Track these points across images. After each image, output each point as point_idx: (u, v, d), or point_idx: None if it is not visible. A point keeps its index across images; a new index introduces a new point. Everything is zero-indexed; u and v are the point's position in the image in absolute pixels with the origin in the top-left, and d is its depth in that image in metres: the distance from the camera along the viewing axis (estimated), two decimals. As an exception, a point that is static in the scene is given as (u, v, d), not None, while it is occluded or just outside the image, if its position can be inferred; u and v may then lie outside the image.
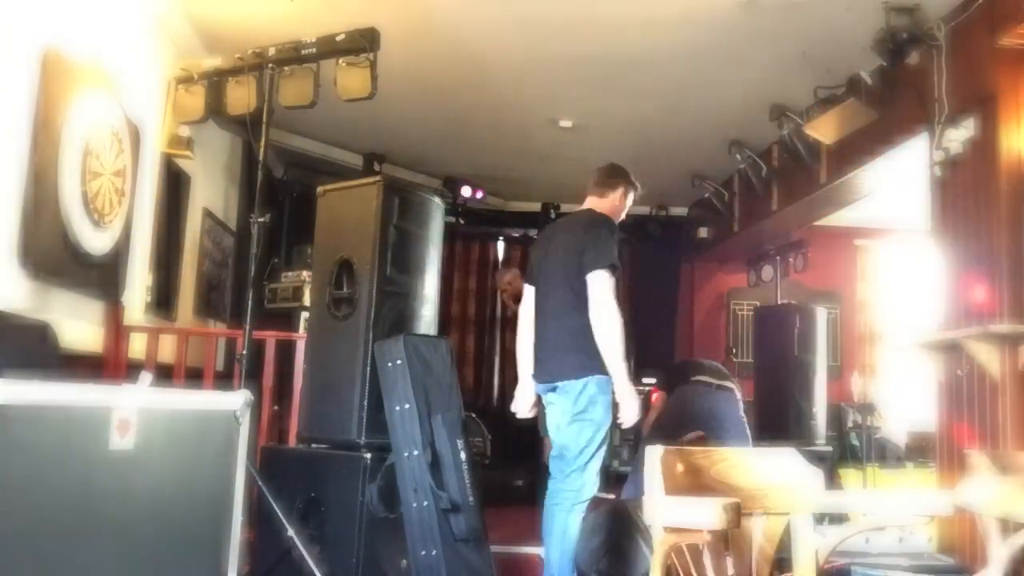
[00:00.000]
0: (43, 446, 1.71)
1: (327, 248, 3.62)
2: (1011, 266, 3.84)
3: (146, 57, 4.42)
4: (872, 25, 4.24)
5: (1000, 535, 1.70)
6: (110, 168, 3.89)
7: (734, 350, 8.38)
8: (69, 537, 1.76)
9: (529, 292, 3.69)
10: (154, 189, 4.64)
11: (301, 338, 4.23)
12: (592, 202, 3.92)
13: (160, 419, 1.99)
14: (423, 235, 3.59)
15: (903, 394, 7.80)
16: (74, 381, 1.88)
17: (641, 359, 8.16)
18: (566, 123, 6.30)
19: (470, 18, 4.70)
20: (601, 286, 3.27)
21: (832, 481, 5.87)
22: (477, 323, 8.51)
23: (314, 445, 3.49)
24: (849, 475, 6.34)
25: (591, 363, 3.25)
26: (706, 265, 8.54)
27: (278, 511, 2.82)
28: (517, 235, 8.57)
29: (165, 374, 4.14)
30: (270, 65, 3.51)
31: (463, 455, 3.09)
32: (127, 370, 4.02)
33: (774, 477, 1.93)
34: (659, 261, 8.44)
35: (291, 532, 2.79)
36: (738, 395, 4.61)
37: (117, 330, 4.07)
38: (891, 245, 8.43)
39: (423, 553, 2.98)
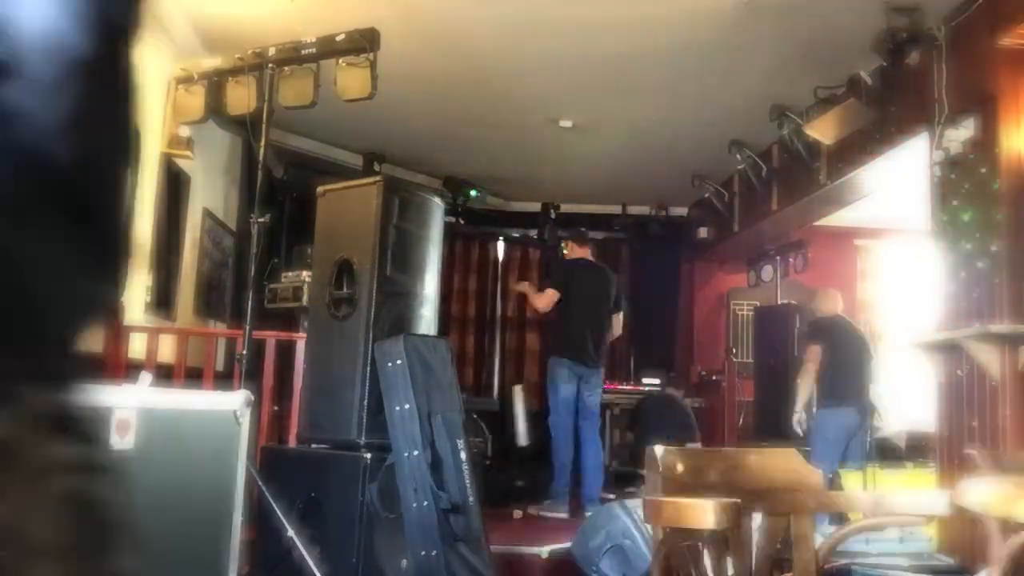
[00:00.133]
0: (43, 446, 1.71)
1: (327, 248, 3.62)
2: (1011, 266, 3.84)
3: (145, 56, 4.41)
4: (872, 25, 4.24)
5: (1000, 535, 1.70)
6: (110, 168, 3.89)
7: (734, 350, 8.38)
8: (69, 537, 1.75)
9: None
10: (154, 189, 4.64)
11: (301, 338, 4.23)
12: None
13: (160, 419, 1.99)
14: (423, 235, 3.58)
15: (903, 394, 7.80)
16: (74, 381, 1.88)
17: (641, 359, 8.18)
18: (566, 123, 6.30)
19: (470, 18, 4.70)
20: None
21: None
22: (477, 323, 8.51)
23: (314, 445, 3.48)
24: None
25: None
26: (706, 265, 8.54)
27: (278, 511, 2.82)
28: (517, 235, 8.58)
29: (165, 374, 4.14)
30: (270, 65, 3.51)
31: (463, 455, 3.09)
32: (127, 370, 4.02)
33: (774, 477, 1.93)
34: (659, 261, 8.45)
35: (291, 532, 2.79)
36: None
37: (117, 330, 4.07)
38: (891, 245, 8.43)
39: (423, 553, 2.98)
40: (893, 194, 6.03)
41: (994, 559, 1.69)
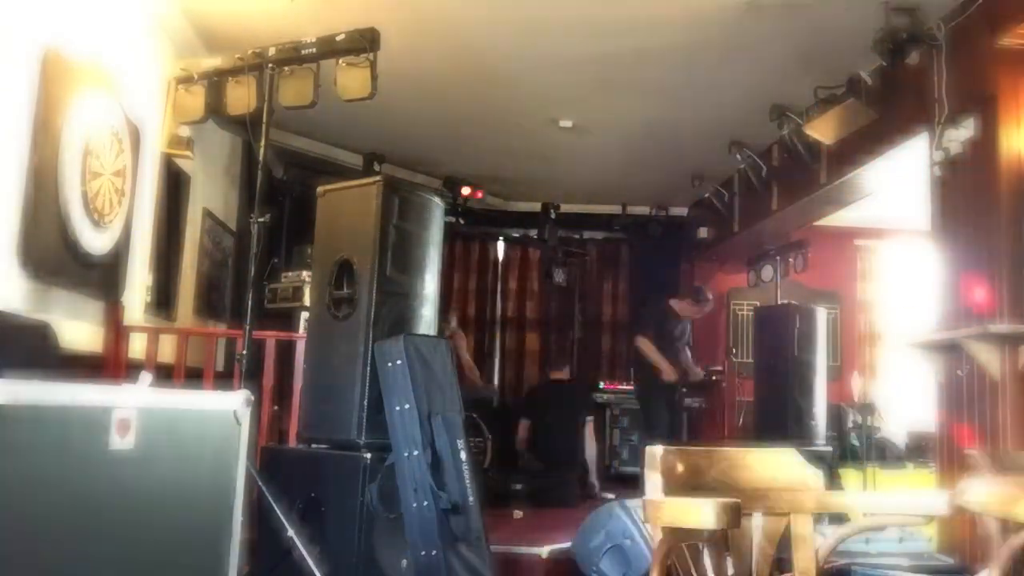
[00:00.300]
0: (43, 446, 1.71)
1: (327, 248, 3.62)
2: (1011, 266, 3.84)
3: (146, 57, 4.42)
4: (872, 25, 4.24)
5: (1000, 535, 1.70)
6: (110, 168, 3.89)
7: (734, 350, 8.38)
8: (69, 537, 1.76)
9: None
10: (154, 189, 4.64)
11: (301, 338, 4.23)
12: None
13: (160, 419, 1.99)
14: (423, 235, 3.58)
15: (903, 394, 7.80)
16: (74, 381, 1.88)
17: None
18: (566, 123, 6.30)
19: (470, 18, 4.70)
20: None
21: (832, 481, 5.87)
22: (477, 323, 8.52)
23: (314, 445, 3.48)
24: (849, 475, 6.33)
25: None
26: (706, 265, 8.53)
27: (278, 511, 2.82)
28: (517, 235, 8.58)
29: (165, 374, 4.13)
30: (270, 65, 3.51)
31: (463, 455, 3.09)
32: (127, 370, 4.02)
33: (774, 477, 1.92)
34: (659, 261, 8.45)
35: (291, 532, 2.79)
36: None
37: (117, 330, 4.07)
38: (891, 245, 8.44)
39: (423, 553, 2.98)
40: (893, 194, 6.03)
41: (994, 559, 1.69)
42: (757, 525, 1.87)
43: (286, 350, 4.40)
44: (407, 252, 3.50)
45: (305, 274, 5.19)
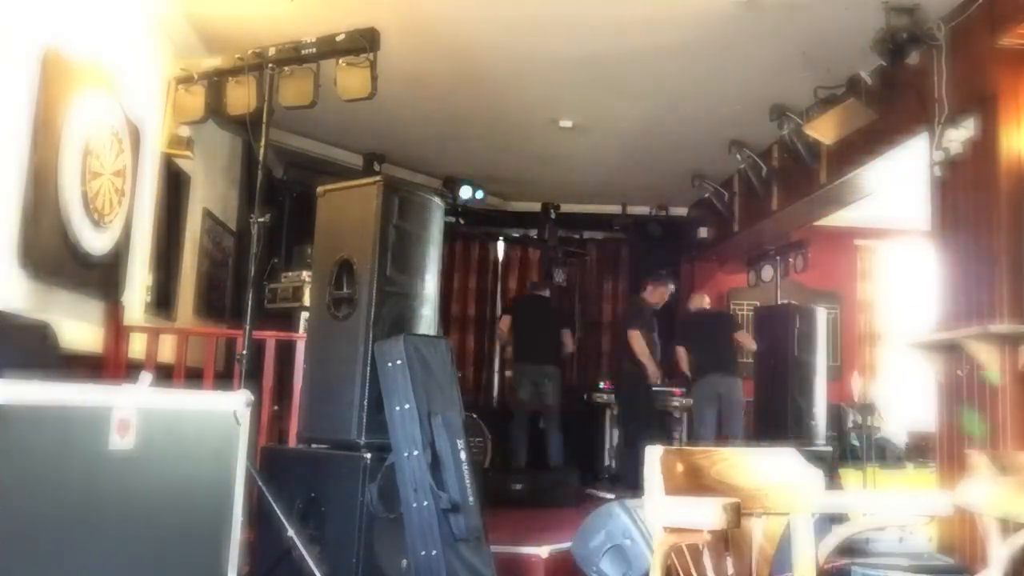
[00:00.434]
0: (43, 446, 1.71)
1: (327, 248, 3.62)
2: (1011, 266, 3.84)
3: (146, 57, 4.42)
4: (872, 25, 4.24)
5: (1000, 535, 1.70)
6: (110, 168, 3.89)
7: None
8: (69, 537, 1.76)
9: None
10: (154, 189, 4.64)
11: (301, 338, 4.23)
12: None
13: (160, 419, 1.99)
14: (423, 235, 3.58)
15: (903, 394, 7.80)
16: (74, 381, 1.88)
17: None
18: (566, 123, 6.30)
19: (470, 18, 4.70)
20: None
21: (832, 481, 5.87)
22: (477, 323, 8.52)
23: (314, 445, 3.48)
24: (849, 475, 6.34)
25: None
26: (706, 265, 8.54)
27: (278, 511, 2.82)
28: (517, 235, 8.58)
29: (165, 374, 4.14)
30: (270, 65, 3.51)
31: (463, 455, 3.09)
32: (127, 370, 4.02)
33: (774, 477, 1.92)
34: (659, 261, 8.44)
35: (291, 532, 2.79)
36: None
37: (117, 330, 4.07)
38: (891, 245, 8.44)
39: (423, 553, 2.98)
40: (893, 194, 6.03)
41: (994, 559, 1.70)
42: (757, 525, 1.87)
43: (286, 350, 4.40)
44: (407, 252, 3.50)
45: (305, 274, 5.19)
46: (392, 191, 3.47)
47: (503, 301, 8.42)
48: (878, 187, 5.72)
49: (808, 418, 6.57)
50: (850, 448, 7.18)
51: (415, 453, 3.05)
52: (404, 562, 3.08)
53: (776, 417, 6.57)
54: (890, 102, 4.72)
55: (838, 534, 1.93)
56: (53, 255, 3.41)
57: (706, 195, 7.35)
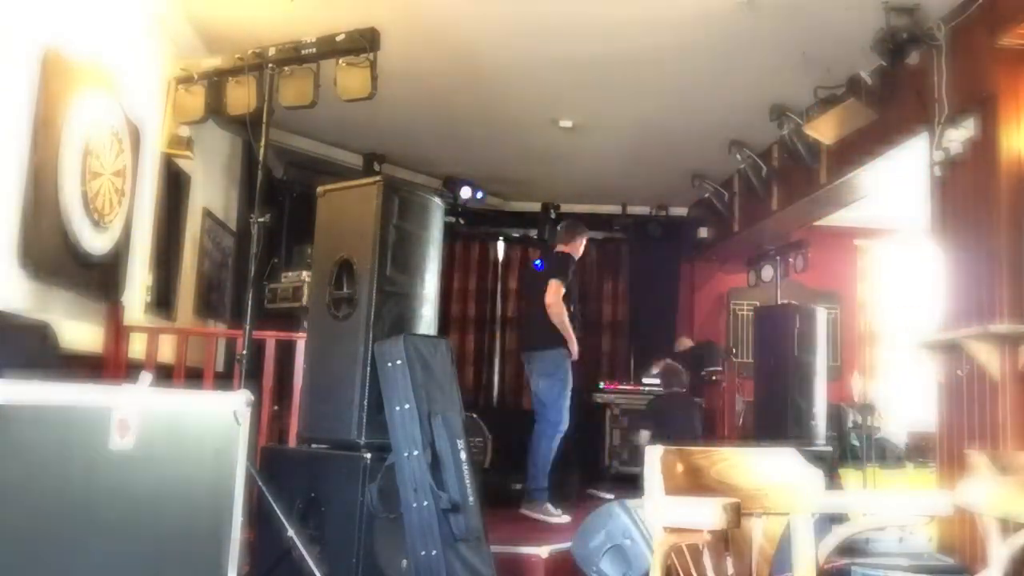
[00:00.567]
0: (43, 446, 1.71)
1: (327, 248, 3.62)
2: (1011, 266, 3.84)
3: (146, 57, 4.42)
4: (872, 25, 4.25)
5: (1000, 535, 1.70)
6: (110, 168, 3.89)
7: (734, 350, 8.38)
8: (69, 537, 1.76)
9: None
10: (154, 189, 4.64)
11: (301, 338, 4.22)
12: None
13: (160, 419, 1.99)
14: (423, 235, 3.58)
15: (903, 394, 7.80)
16: (74, 381, 1.88)
17: (641, 359, 8.18)
18: (566, 123, 6.30)
19: (470, 18, 4.70)
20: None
21: (832, 481, 5.86)
22: (477, 323, 8.52)
23: (314, 445, 3.48)
24: (849, 475, 6.34)
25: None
26: (706, 265, 8.54)
27: (278, 511, 2.82)
28: (517, 235, 8.58)
29: (165, 374, 4.14)
30: (270, 65, 3.51)
31: (463, 455, 3.09)
32: (127, 370, 4.02)
33: (774, 477, 1.92)
34: (659, 261, 8.45)
35: (291, 532, 2.79)
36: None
37: (117, 330, 4.07)
38: (891, 245, 8.43)
39: (423, 553, 2.98)
40: (893, 194, 6.03)
41: (994, 559, 1.70)
42: (757, 525, 1.87)
43: (286, 350, 4.40)
44: (407, 252, 3.50)
45: (305, 274, 5.19)
46: (392, 191, 3.47)
47: (503, 301, 8.43)
48: (878, 187, 5.72)
49: (808, 418, 6.55)
50: (850, 448, 7.18)
51: (415, 453, 3.05)
52: (404, 562, 3.08)
53: (776, 417, 6.56)
54: (890, 102, 4.72)
55: (838, 534, 1.93)
56: (53, 255, 3.41)
57: (706, 195, 7.35)
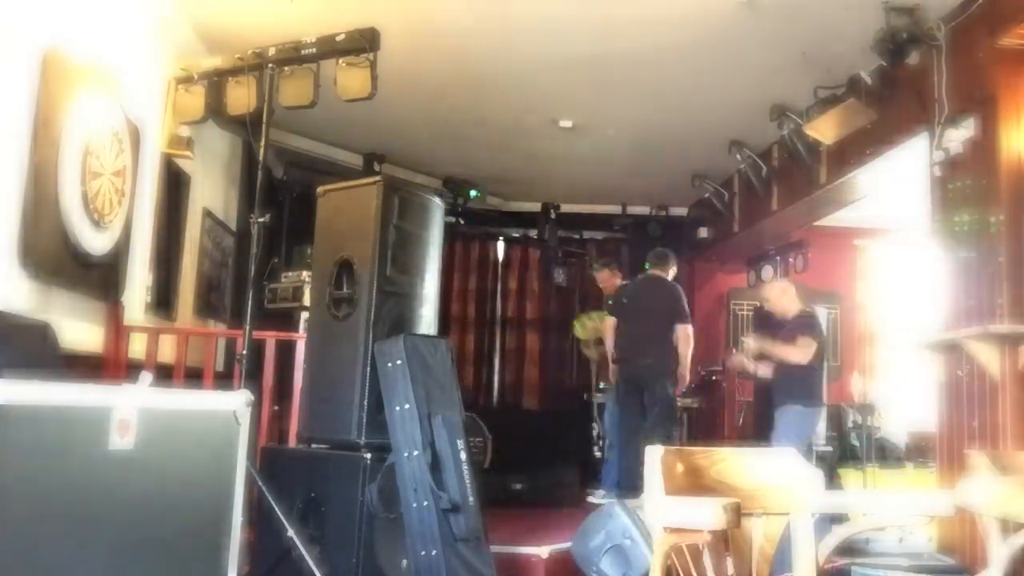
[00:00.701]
0: (43, 446, 1.71)
1: (327, 248, 3.62)
2: (1011, 266, 3.84)
3: (146, 57, 4.42)
4: (872, 25, 4.24)
5: (1000, 535, 1.70)
6: (110, 168, 3.89)
7: (734, 350, 8.37)
8: (69, 537, 1.76)
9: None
10: (154, 189, 4.63)
11: (301, 338, 4.23)
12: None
13: (160, 419, 1.99)
14: (423, 235, 3.59)
15: (903, 394, 7.80)
16: (74, 381, 1.88)
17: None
18: (566, 123, 6.30)
19: (470, 18, 4.70)
20: None
21: (832, 481, 5.86)
22: (477, 323, 8.51)
23: (314, 445, 3.48)
24: (849, 475, 6.33)
25: None
26: (706, 265, 8.53)
27: (278, 511, 2.82)
28: (517, 235, 8.58)
29: (165, 374, 4.14)
30: (270, 65, 3.51)
31: (463, 455, 3.09)
32: (127, 370, 4.02)
33: (774, 477, 1.92)
34: (659, 261, 8.43)
35: (291, 532, 2.79)
36: None
37: (117, 330, 4.07)
38: (891, 245, 8.43)
39: (423, 553, 2.98)
40: (893, 194, 6.03)
41: (994, 559, 1.70)
42: (757, 525, 1.87)
43: (286, 350, 4.40)
44: (407, 252, 3.50)
45: (305, 274, 5.19)
46: (392, 191, 3.47)
47: (503, 301, 8.42)
48: (878, 187, 5.72)
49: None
50: (850, 448, 7.17)
51: (415, 453, 3.05)
52: (404, 562, 3.08)
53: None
54: (890, 102, 4.72)
55: (838, 534, 1.93)
56: (53, 255, 3.41)
57: (706, 195, 7.35)
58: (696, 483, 1.85)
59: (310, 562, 2.75)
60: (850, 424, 7.46)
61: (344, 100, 3.51)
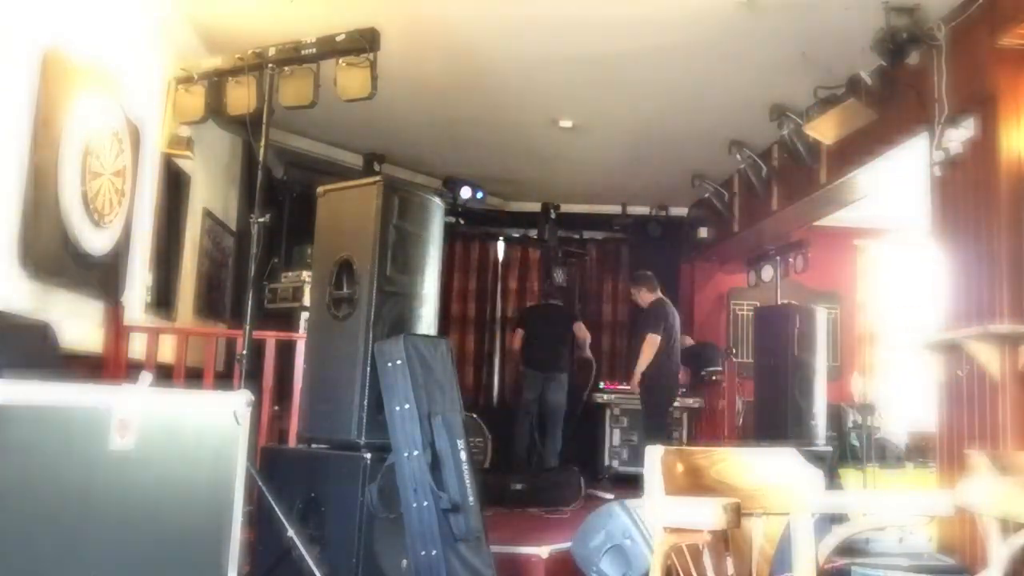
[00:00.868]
0: (43, 446, 1.71)
1: (327, 248, 3.62)
2: (1011, 266, 3.84)
3: (146, 57, 4.42)
4: (872, 25, 4.24)
5: (1000, 535, 1.70)
6: (110, 168, 3.89)
7: (734, 350, 8.38)
8: (69, 537, 1.76)
9: None
10: (154, 189, 4.64)
11: (301, 338, 4.23)
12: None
13: (160, 419, 1.99)
14: (423, 235, 3.58)
15: (903, 394, 7.80)
16: (74, 381, 1.88)
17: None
18: (566, 123, 6.30)
19: (470, 18, 4.70)
20: None
21: (832, 481, 5.86)
22: (477, 323, 8.51)
23: (314, 445, 3.48)
24: (849, 475, 6.34)
25: None
26: (706, 265, 8.54)
27: (278, 511, 2.82)
28: (517, 235, 8.58)
29: (165, 374, 4.14)
30: (270, 65, 3.51)
31: (463, 455, 3.09)
32: (127, 370, 4.02)
33: (774, 477, 1.92)
34: (659, 261, 8.43)
35: (291, 532, 2.79)
36: None
37: (117, 330, 4.07)
38: (891, 245, 8.43)
39: (423, 553, 2.98)
40: (893, 194, 6.03)
41: (994, 559, 1.70)
42: (757, 525, 1.87)
43: (286, 350, 4.40)
44: (407, 252, 3.50)
45: (305, 274, 5.19)
46: (392, 191, 3.47)
47: (503, 301, 8.42)
48: (878, 187, 5.72)
49: (808, 418, 6.56)
50: (850, 448, 7.18)
51: (415, 453, 3.05)
52: (404, 562, 3.08)
53: (776, 417, 6.56)
54: (890, 102, 4.72)
55: (838, 534, 1.93)
56: (53, 255, 3.41)
57: (706, 195, 7.35)
58: (696, 483, 1.85)
59: (310, 562, 2.75)
60: (850, 424, 7.47)
61: (344, 100, 3.51)
